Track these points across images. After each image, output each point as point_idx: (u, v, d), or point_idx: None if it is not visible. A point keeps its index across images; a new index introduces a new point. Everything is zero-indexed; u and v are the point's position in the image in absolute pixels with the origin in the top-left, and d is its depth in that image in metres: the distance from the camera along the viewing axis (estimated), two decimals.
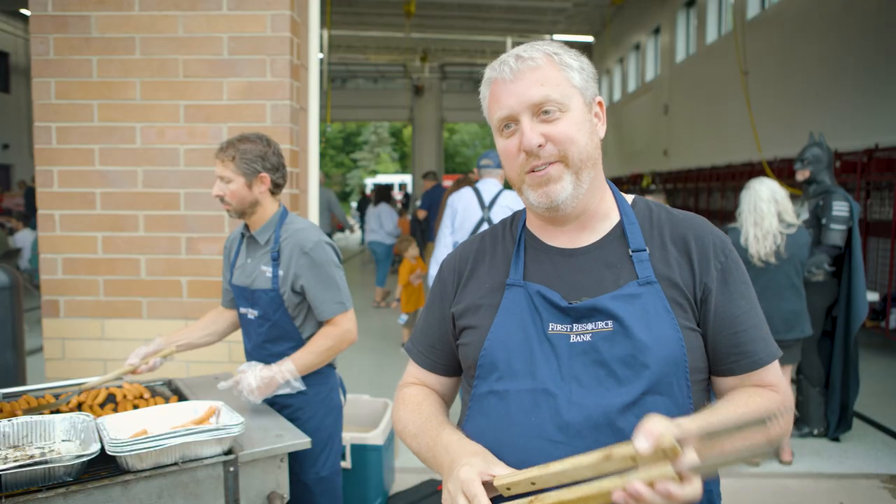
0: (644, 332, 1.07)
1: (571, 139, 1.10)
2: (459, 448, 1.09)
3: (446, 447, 1.11)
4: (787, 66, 10.94)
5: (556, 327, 1.11)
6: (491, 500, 0.99)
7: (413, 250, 6.98)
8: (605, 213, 1.20)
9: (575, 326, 1.10)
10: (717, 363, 1.14)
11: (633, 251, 1.14)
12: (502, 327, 1.15)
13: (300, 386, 2.21)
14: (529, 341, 1.12)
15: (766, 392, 1.13)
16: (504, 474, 1.01)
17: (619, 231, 1.18)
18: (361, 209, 19.98)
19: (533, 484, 0.98)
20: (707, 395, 1.19)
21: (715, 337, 1.13)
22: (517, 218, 1.28)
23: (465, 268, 1.27)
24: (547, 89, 1.10)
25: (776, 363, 1.16)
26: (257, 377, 2.15)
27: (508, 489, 1.00)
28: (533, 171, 1.12)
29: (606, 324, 1.09)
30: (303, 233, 2.29)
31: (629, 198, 1.24)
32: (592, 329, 1.09)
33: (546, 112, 1.10)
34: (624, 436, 1.02)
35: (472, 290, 1.23)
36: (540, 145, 1.10)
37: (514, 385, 1.11)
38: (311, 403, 2.33)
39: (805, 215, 4.43)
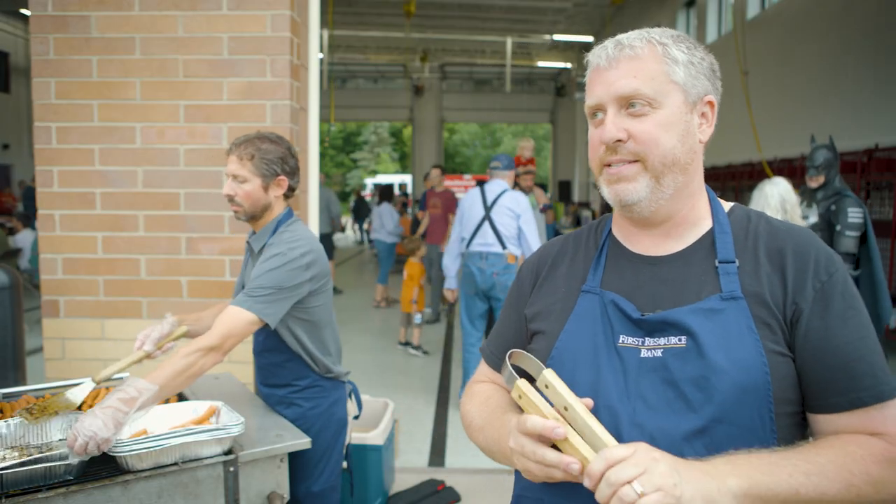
0: (720, 353, 0.96)
1: (655, 140, 1.02)
2: None
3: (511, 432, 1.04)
4: (787, 65, 10.95)
5: (626, 340, 1.04)
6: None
7: (420, 252, 7.04)
8: (695, 221, 1.10)
9: (647, 340, 1.02)
10: (810, 398, 1.00)
11: (720, 262, 1.04)
12: (571, 336, 1.08)
13: (152, 387, 1.77)
14: (598, 353, 1.05)
15: (871, 443, 0.95)
16: (556, 385, 0.96)
17: (709, 240, 1.08)
18: (357, 211, 19.97)
19: (565, 409, 0.94)
20: (801, 431, 1.03)
21: (806, 366, 0.98)
22: (603, 222, 1.21)
23: (544, 269, 1.21)
24: (639, 82, 1.01)
25: (892, 406, 0.97)
26: (97, 415, 1.59)
27: (546, 387, 0.97)
28: (609, 166, 1.06)
29: (680, 339, 0.99)
30: (286, 244, 2.08)
31: (727, 205, 1.13)
32: (665, 344, 1.00)
33: (633, 106, 1.02)
34: None
35: (547, 293, 1.17)
36: (620, 140, 1.02)
37: None
38: (308, 417, 2.20)
39: (814, 219, 4.32)
